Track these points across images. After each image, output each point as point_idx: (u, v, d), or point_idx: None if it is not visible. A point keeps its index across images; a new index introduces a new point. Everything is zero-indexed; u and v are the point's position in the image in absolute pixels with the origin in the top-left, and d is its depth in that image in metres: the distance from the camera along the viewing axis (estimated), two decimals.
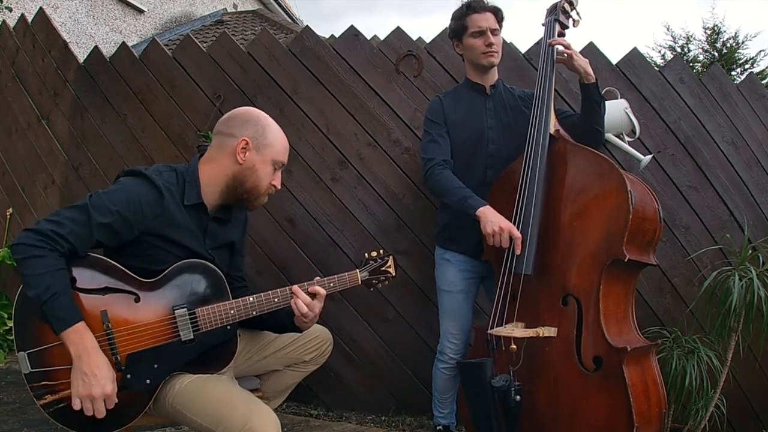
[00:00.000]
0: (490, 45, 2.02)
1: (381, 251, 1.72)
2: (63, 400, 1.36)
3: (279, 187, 1.62)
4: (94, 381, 1.30)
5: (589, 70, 1.93)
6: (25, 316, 1.38)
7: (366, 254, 1.71)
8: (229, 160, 1.54)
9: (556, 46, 1.95)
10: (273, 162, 1.59)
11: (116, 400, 1.34)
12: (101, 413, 1.32)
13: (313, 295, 1.56)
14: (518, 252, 1.80)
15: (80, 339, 1.30)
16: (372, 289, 1.72)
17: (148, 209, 1.43)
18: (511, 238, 1.80)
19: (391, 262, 1.72)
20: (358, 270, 1.68)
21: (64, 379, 1.36)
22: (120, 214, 1.38)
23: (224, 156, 1.55)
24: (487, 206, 1.87)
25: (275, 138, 1.59)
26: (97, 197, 1.40)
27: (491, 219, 1.83)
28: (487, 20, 2.02)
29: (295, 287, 1.55)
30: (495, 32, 2.03)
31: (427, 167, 2.04)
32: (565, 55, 1.94)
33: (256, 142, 1.55)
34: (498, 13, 2.04)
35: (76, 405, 1.31)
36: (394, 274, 1.73)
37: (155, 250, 1.46)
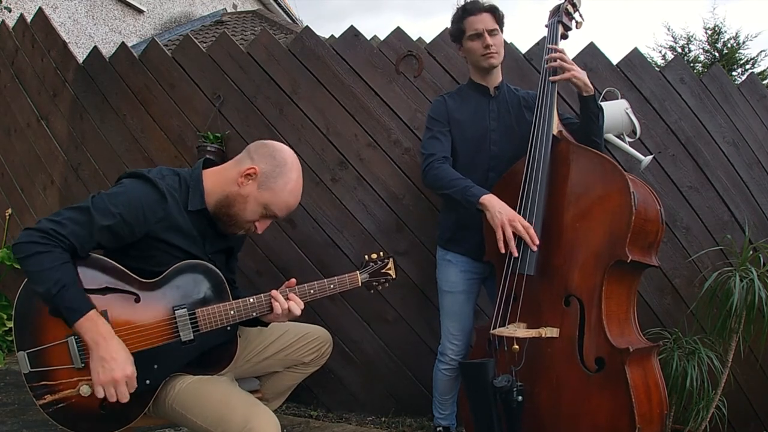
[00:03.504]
0: (488, 47, 2.00)
1: (381, 253, 1.72)
2: (63, 400, 1.36)
3: (260, 232, 1.56)
4: (114, 365, 1.30)
5: (588, 82, 1.91)
6: (25, 316, 1.38)
7: (366, 256, 1.71)
8: (233, 178, 1.51)
9: (554, 55, 1.92)
10: (265, 206, 1.51)
11: (136, 385, 1.34)
12: (125, 397, 1.32)
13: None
14: (534, 248, 1.76)
15: (94, 326, 1.30)
16: (372, 291, 1.72)
17: (150, 213, 1.42)
18: (520, 239, 1.77)
19: (391, 264, 1.72)
20: (358, 272, 1.68)
21: (64, 378, 1.36)
22: (122, 216, 1.38)
23: (233, 172, 1.52)
24: (491, 194, 1.84)
25: (283, 189, 1.51)
26: (99, 199, 1.39)
27: (498, 210, 1.79)
28: (483, 21, 1.99)
29: (274, 292, 1.54)
30: (493, 33, 2.00)
31: (426, 162, 2.02)
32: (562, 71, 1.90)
33: (264, 178, 1.49)
34: (495, 12, 2.01)
35: (99, 393, 1.31)
36: (394, 276, 1.73)
37: (156, 252, 1.46)
